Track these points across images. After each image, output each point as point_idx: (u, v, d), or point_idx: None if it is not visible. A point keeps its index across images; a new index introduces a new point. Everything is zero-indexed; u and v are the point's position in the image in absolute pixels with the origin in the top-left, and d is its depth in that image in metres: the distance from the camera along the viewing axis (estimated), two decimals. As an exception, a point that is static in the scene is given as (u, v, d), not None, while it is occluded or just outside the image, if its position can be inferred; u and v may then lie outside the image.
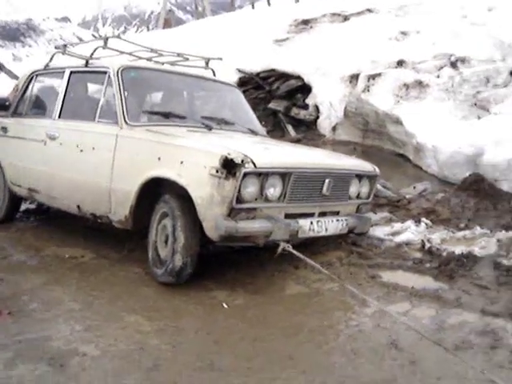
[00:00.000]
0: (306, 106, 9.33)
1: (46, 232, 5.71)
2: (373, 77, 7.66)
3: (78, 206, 4.96)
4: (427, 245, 4.61)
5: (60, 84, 5.53)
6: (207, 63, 6.12)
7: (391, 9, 10.11)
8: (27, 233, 5.70)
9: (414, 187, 5.88)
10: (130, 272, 4.49)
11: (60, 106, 5.38)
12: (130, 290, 4.11)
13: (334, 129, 8.35)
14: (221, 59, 6.24)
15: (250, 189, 3.87)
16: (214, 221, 3.84)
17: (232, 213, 3.84)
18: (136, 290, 4.11)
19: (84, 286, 4.20)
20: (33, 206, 6.68)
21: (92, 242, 5.24)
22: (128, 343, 3.26)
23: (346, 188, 4.59)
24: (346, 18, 10.52)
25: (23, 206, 6.45)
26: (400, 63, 8.18)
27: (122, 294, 4.03)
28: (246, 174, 3.77)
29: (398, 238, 4.83)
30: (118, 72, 4.85)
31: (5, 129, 5.94)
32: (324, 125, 8.57)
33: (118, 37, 5.84)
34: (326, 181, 4.29)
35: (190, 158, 4.01)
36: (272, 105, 9.62)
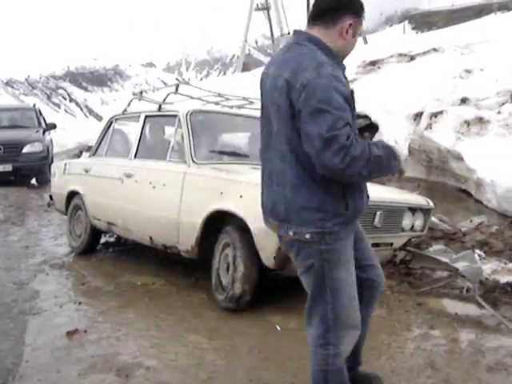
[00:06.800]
0: (373, 145, 9.51)
1: (122, 262, 6.20)
2: (435, 114, 7.83)
3: (151, 238, 5.40)
4: (477, 275, 4.72)
5: (136, 127, 6.06)
6: (271, 105, 6.50)
7: (457, 47, 10.24)
8: (105, 262, 6.20)
9: (471, 220, 5.99)
10: (196, 298, 4.86)
11: (136, 147, 5.87)
12: (194, 313, 4.47)
13: (399, 166, 8.51)
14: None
15: (303, 220, 4.16)
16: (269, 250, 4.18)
17: (286, 243, 4.14)
18: (199, 313, 4.46)
19: (153, 309, 4.60)
20: (112, 239, 7.19)
21: (163, 271, 5.66)
22: (188, 359, 3.61)
23: (398, 220, 4.80)
24: (412, 58, 10.74)
25: (103, 239, 6.97)
26: (463, 100, 8.32)
27: (187, 317, 4.40)
28: (298, 206, 4.08)
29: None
30: (186, 115, 5.30)
31: (87, 168, 6.52)
32: (390, 162, 8.72)
33: (188, 83, 6.34)
34: (378, 213, 4.53)
35: (248, 192, 4.36)
36: (340, 143, 9.80)
